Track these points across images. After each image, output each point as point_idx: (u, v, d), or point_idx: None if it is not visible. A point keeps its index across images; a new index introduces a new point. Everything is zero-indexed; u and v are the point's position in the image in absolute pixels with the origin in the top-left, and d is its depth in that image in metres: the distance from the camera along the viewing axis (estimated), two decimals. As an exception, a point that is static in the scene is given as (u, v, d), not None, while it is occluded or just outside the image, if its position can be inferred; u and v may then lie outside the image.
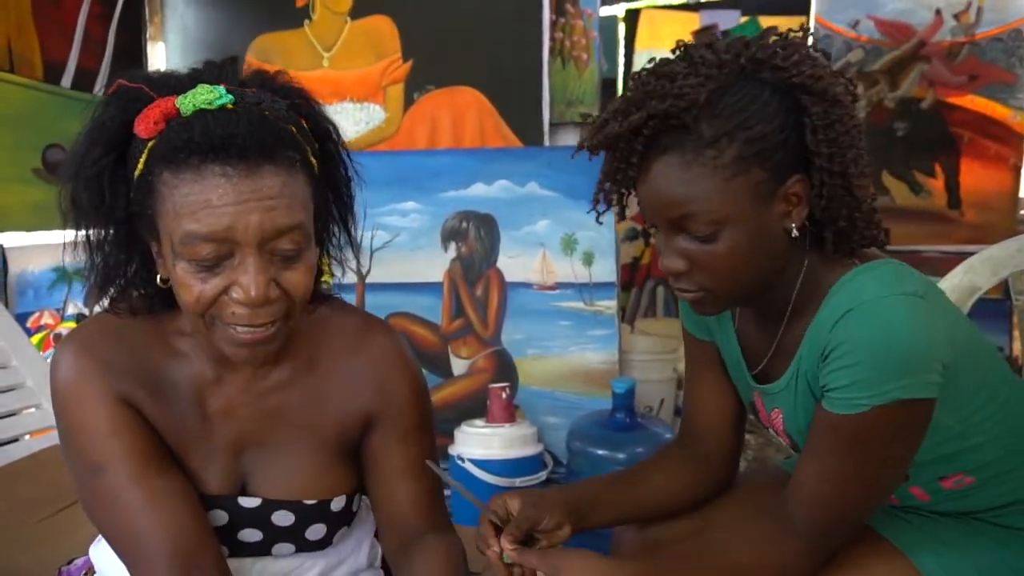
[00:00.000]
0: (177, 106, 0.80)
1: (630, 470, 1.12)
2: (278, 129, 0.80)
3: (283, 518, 0.93)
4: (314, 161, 0.85)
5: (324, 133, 0.89)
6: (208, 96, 0.80)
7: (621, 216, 0.97)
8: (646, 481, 1.08)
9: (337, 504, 0.96)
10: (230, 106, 0.80)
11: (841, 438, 0.86)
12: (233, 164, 0.77)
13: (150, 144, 0.80)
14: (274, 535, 0.94)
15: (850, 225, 0.88)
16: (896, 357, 0.81)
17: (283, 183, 0.79)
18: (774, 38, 0.87)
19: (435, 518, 0.99)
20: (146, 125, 0.80)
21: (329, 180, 0.89)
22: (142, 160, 0.80)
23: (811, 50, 0.87)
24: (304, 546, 0.95)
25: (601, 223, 0.98)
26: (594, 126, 0.90)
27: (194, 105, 0.79)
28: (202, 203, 0.77)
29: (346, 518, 0.98)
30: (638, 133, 0.85)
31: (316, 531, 0.95)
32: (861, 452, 0.86)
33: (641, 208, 0.91)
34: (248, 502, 0.93)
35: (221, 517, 0.92)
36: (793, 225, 0.87)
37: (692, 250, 0.87)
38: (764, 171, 0.84)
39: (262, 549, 0.95)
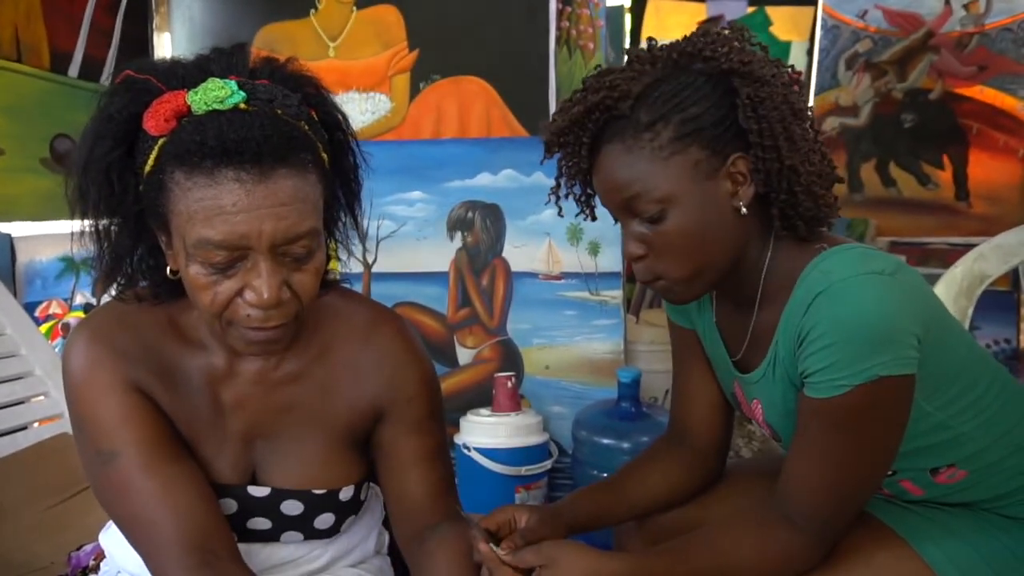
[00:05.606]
0: (188, 103, 0.79)
1: (624, 473, 1.12)
2: (291, 129, 0.80)
3: (292, 507, 0.94)
4: (325, 156, 0.85)
5: (334, 123, 0.89)
6: (219, 93, 0.79)
7: (592, 216, 1.01)
8: (642, 484, 1.10)
9: (345, 494, 0.96)
10: (243, 105, 0.79)
11: (826, 422, 0.87)
12: (247, 169, 0.77)
13: (161, 142, 0.79)
14: (283, 524, 0.95)
15: (792, 200, 0.90)
16: (870, 334, 0.82)
17: (295, 187, 0.79)
18: (708, 33, 0.92)
19: (448, 508, 0.99)
20: (156, 122, 0.79)
21: (338, 169, 0.90)
22: (152, 157, 0.79)
23: (747, 43, 0.91)
24: (312, 534, 0.96)
25: (562, 216, 1.02)
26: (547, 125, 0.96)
27: (206, 103, 0.78)
28: (216, 209, 0.77)
29: (354, 507, 0.99)
30: (583, 127, 0.91)
31: (324, 520, 0.96)
32: (848, 434, 0.86)
33: (599, 198, 0.96)
34: (257, 491, 0.94)
35: (231, 506, 0.93)
36: (741, 203, 0.90)
37: (645, 233, 0.91)
38: (702, 149, 0.88)
39: (271, 536, 0.95)
